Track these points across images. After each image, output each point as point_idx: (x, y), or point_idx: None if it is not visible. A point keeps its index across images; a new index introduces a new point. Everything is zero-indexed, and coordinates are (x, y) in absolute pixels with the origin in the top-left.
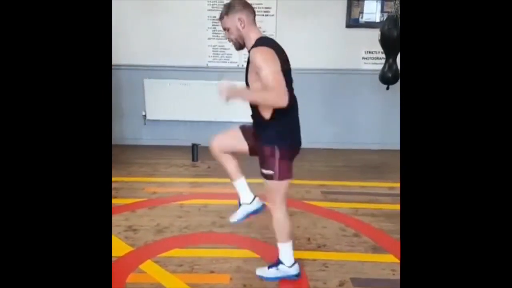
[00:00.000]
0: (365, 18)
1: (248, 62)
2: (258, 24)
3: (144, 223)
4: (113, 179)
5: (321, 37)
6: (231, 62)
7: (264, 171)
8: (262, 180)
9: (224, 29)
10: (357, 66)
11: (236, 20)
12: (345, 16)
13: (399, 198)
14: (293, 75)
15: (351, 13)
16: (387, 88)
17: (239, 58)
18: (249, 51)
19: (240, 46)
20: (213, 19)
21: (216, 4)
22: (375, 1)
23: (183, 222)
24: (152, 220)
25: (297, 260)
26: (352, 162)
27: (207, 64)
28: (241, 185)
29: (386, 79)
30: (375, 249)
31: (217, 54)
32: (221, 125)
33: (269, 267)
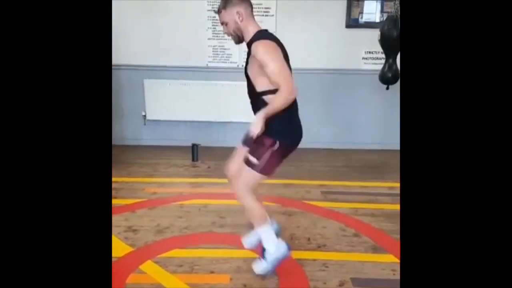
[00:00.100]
0: (365, 18)
1: (248, 55)
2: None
3: (144, 224)
4: (113, 179)
5: (321, 37)
6: (231, 62)
7: (250, 157)
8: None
9: (222, 23)
10: (357, 66)
11: (234, 13)
12: (345, 16)
13: (399, 198)
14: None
15: (351, 13)
16: (387, 88)
17: (239, 58)
18: (247, 44)
19: (239, 39)
20: (213, 19)
21: (216, 4)
22: (375, 1)
23: (183, 223)
24: (152, 221)
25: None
26: (352, 162)
27: (207, 64)
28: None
29: (386, 79)
30: (375, 249)
31: (217, 54)
32: (221, 125)
33: (259, 258)
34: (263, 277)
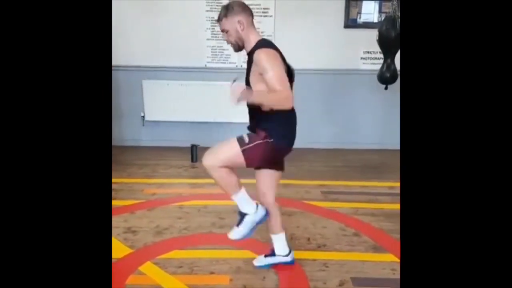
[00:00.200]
0: (363, 18)
1: (248, 63)
2: (256, 25)
3: (144, 225)
4: (112, 180)
5: (319, 38)
6: (229, 63)
7: (245, 136)
8: (254, 181)
9: (223, 31)
10: (356, 67)
11: (235, 22)
12: (343, 16)
13: (398, 197)
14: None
15: (349, 14)
16: (386, 88)
17: (238, 58)
18: (248, 53)
19: (239, 48)
20: (211, 20)
21: (214, 5)
22: (373, 1)
23: (182, 223)
24: (152, 222)
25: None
26: (351, 162)
27: (205, 65)
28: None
29: (384, 79)
30: (375, 249)
31: (216, 54)
32: (220, 126)
33: (238, 225)
34: (262, 277)
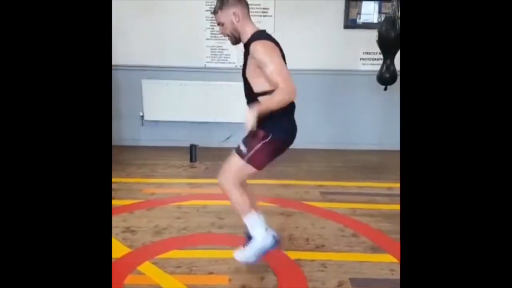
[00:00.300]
0: (363, 19)
1: (245, 56)
2: (256, 25)
3: (142, 224)
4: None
5: (319, 38)
6: (229, 63)
7: (241, 146)
8: (255, 181)
9: (218, 23)
10: (355, 67)
11: (230, 14)
12: (343, 17)
13: (397, 198)
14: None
15: (348, 14)
16: (385, 89)
17: (237, 58)
18: (244, 45)
19: (235, 40)
20: (211, 20)
21: (214, 5)
22: (373, 2)
23: (181, 223)
24: (150, 221)
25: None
26: (350, 163)
27: (205, 65)
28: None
29: (384, 79)
30: (374, 249)
31: (215, 54)
32: (219, 126)
33: (243, 245)
34: (261, 278)
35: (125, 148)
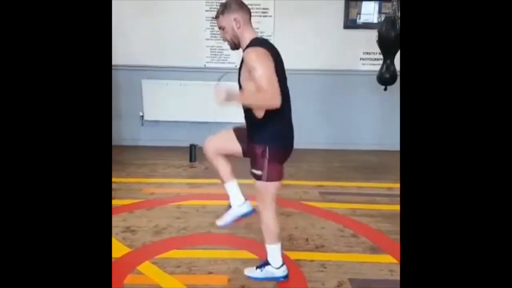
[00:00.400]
0: (363, 19)
1: (241, 62)
2: (255, 25)
3: (142, 224)
4: None
5: (319, 38)
6: (229, 63)
7: (254, 171)
8: (253, 181)
9: (220, 28)
10: (355, 67)
11: (231, 20)
12: (343, 17)
13: (397, 198)
14: (291, 76)
15: (348, 14)
16: (385, 89)
17: (237, 59)
18: (243, 51)
19: (235, 45)
20: (211, 20)
21: (213, 5)
22: (373, 2)
23: (181, 223)
24: (150, 221)
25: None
26: (350, 163)
27: (205, 65)
28: (233, 188)
29: (383, 80)
30: (373, 250)
31: (215, 55)
32: (219, 126)
33: (257, 267)
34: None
35: (125, 148)
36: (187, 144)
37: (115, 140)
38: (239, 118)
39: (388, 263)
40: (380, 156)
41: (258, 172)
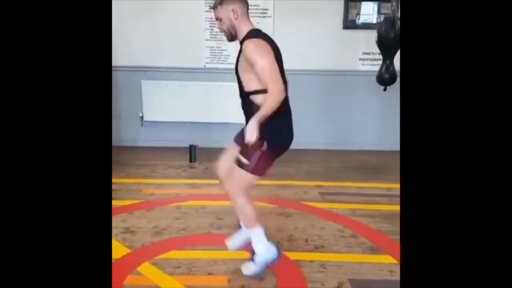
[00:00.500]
0: (362, 19)
1: (239, 52)
2: (255, 26)
3: (142, 225)
4: None
5: (318, 39)
6: (228, 64)
7: (241, 158)
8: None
9: (217, 18)
10: (355, 67)
11: (229, 10)
12: (342, 17)
13: (396, 199)
14: (291, 77)
15: (348, 15)
16: (384, 89)
17: None
18: (240, 43)
19: (232, 37)
20: (210, 20)
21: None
22: (372, 2)
23: (181, 224)
24: (150, 222)
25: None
26: (349, 163)
27: (204, 66)
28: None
29: (383, 80)
30: (373, 250)
31: (215, 55)
32: (219, 126)
33: (251, 260)
34: (261, 278)
35: (124, 149)
36: (187, 145)
37: (115, 141)
38: (239, 119)
39: (388, 264)
40: (379, 157)
41: (245, 161)
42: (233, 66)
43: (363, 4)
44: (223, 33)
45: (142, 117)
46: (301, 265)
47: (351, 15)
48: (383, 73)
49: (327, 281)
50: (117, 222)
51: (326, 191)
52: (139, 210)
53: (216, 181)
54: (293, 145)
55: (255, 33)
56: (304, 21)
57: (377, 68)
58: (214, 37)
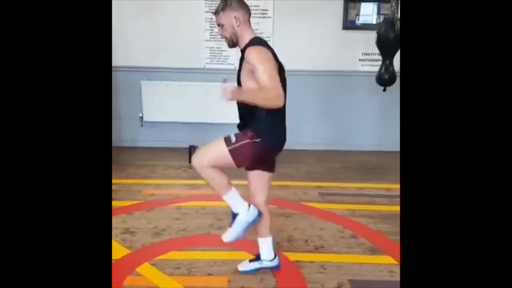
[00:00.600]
0: (362, 20)
1: (241, 60)
2: (255, 26)
3: (142, 226)
4: None
5: (318, 39)
6: (228, 64)
7: (232, 136)
8: (246, 182)
9: (218, 24)
10: (354, 68)
11: (232, 17)
12: (342, 18)
13: (396, 199)
14: (290, 77)
15: (347, 15)
16: (384, 90)
17: (236, 60)
18: (241, 50)
19: (233, 43)
20: (210, 21)
21: (213, 6)
22: (372, 3)
23: (180, 224)
24: (150, 223)
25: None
26: (349, 164)
27: (204, 66)
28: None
29: (383, 80)
30: (373, 251)
31: (215, 56)
32: (218, 127)
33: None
34: (260, 279)
35: (124, 149)
36: (187, 145)
37: (115, 141)
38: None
39: (388, 264)
40: (379, 157)
41: (233, 139)
42: (233, 66)
43: (363, 4)
44: (224, 39)
45: (142, 117)
46: (301, 266)
47: (351, 16)
48: (383, 74)
49: (327, 281)
50: (117, 223)
51: (326, 191)
52: (139, 210)
53: (192, 162)
54: (293, 145)
55: (257, 41)
56: (304, 21)
57: (376, 68)
58: (214, 38)
